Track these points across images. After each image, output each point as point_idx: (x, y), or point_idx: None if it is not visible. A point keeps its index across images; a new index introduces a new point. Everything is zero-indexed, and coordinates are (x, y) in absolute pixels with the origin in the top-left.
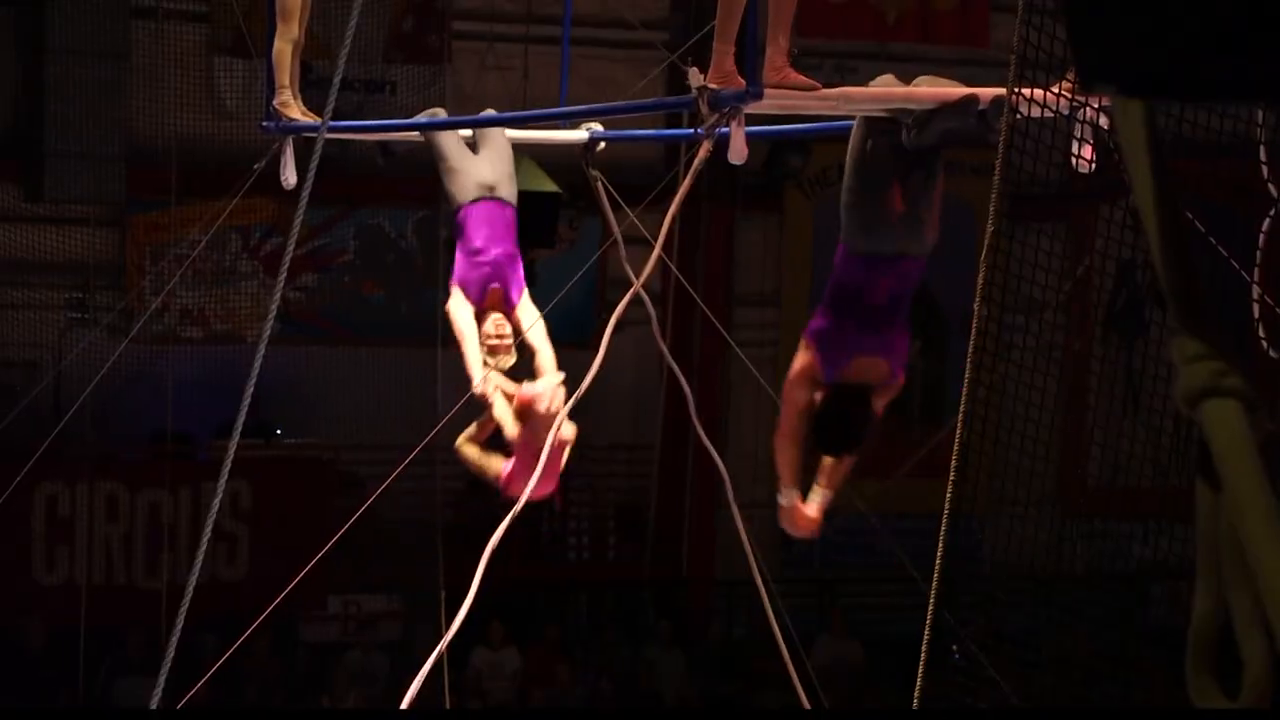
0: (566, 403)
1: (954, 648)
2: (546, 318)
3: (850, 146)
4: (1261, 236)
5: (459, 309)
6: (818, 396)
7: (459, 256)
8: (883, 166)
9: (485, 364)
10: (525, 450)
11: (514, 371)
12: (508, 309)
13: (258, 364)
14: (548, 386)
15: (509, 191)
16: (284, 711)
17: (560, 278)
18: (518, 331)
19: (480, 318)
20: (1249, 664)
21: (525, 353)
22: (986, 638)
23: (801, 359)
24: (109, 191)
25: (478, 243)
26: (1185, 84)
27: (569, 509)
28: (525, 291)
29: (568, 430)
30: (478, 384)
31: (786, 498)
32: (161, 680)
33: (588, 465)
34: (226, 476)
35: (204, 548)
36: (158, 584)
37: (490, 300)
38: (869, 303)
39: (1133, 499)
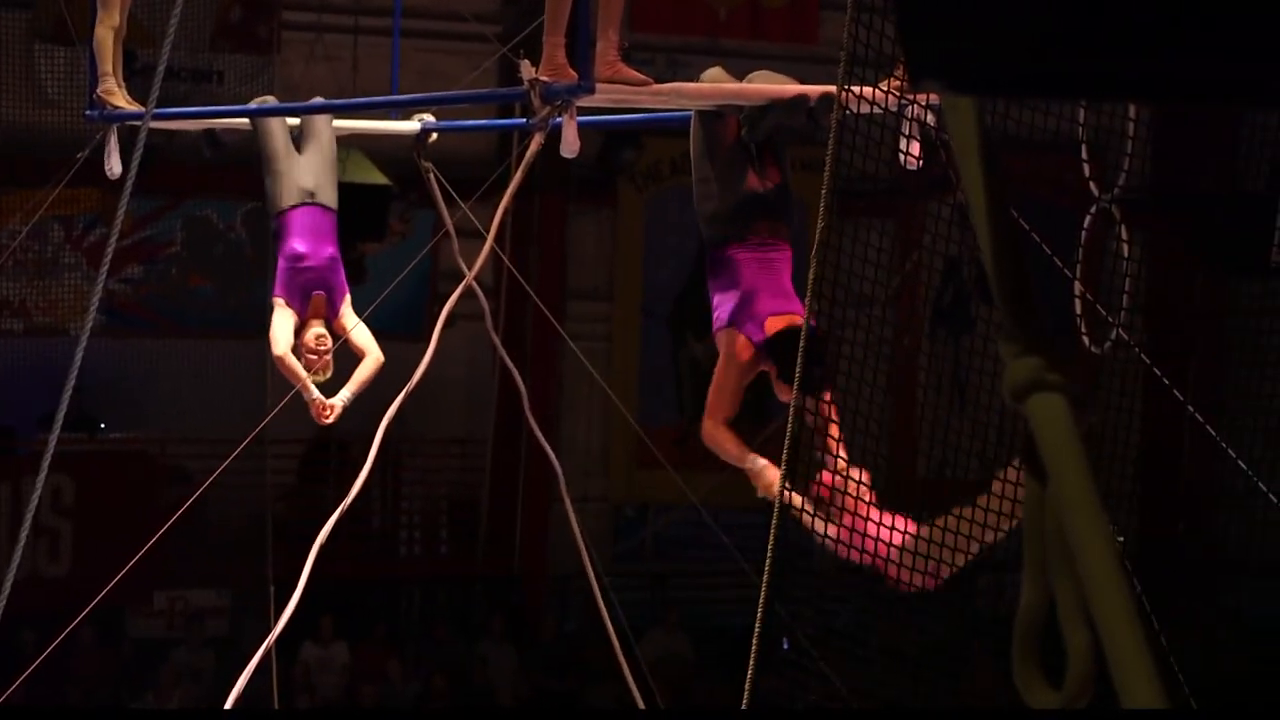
0: (396, 399)
1: (784, 640)
2: (378, 311)
3: (693, 141)
4: (1083, 234)
5: (279, 328)
6: (749, 375)
7: (281, 263)
8: (732, 147)
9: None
10: None
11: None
12: (331, 314)
13: (79, 356)
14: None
15: (330, 195)
16: (119, 711)
17: (392, 271)
18: (341, 337)
19: (302, 328)
20: (1072, 655)
21: (352, 356)
22: (817, 631)
23: (725, 345)
24: None
25: (300, 248)
26: (1011, 81)
27: (400, 503)
28: (348, 296)
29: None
30: (314, 398)
31: (753, 463)
32: None
33: (420, 459)
34: (47, 471)
35: (22, 543)
36: None
37: (314, 307)
38: (755, 279)
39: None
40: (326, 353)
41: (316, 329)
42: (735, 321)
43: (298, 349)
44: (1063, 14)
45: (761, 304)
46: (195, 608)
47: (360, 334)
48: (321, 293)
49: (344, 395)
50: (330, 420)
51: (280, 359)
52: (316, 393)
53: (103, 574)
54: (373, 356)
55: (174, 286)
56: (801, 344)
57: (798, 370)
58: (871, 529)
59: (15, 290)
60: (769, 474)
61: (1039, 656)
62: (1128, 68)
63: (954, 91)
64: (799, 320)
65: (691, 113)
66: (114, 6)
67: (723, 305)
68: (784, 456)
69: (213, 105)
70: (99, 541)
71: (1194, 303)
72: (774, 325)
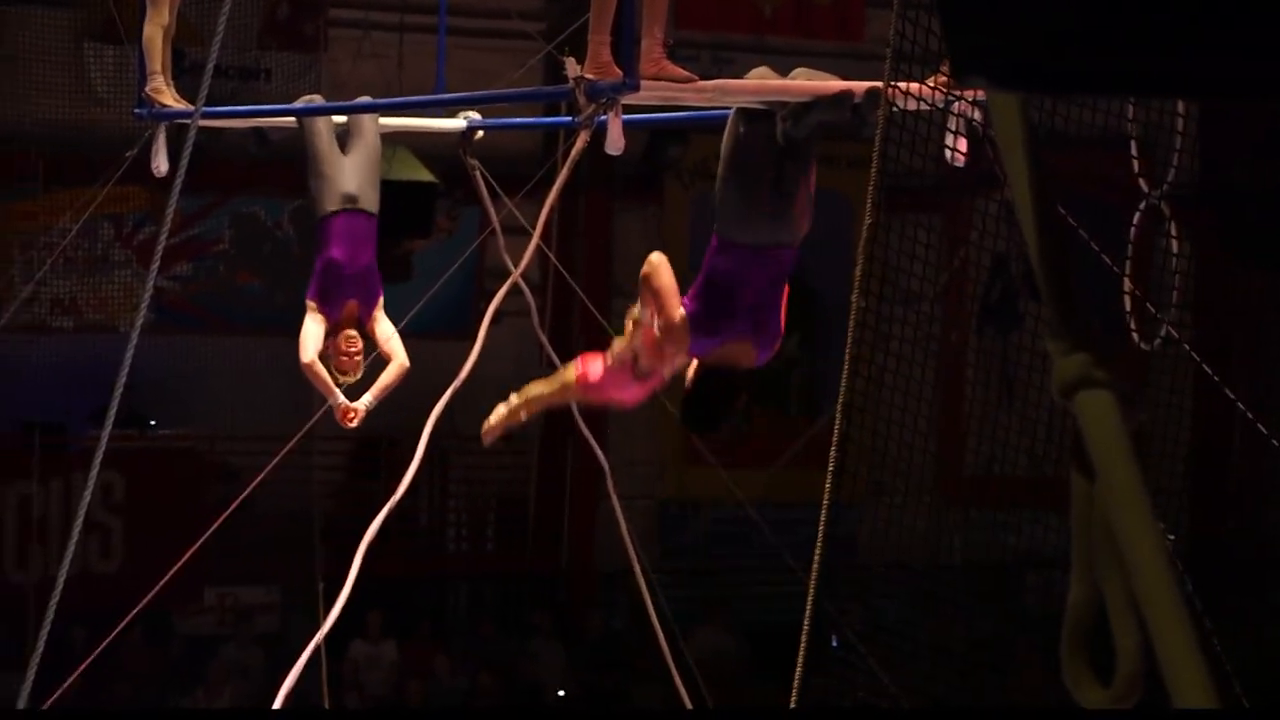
0: (444, 396)
1: (833, 637)
2: (425, 308)
3: (725, 138)
4: (1133, 230)
5: (309, 335)
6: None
7: (318, 266)
8: (757, 158)
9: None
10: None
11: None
12: (364, 317)
13: (129, 353)
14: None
15: (371, 200)
16: (173, 712)
17: (438, 268)
18: (373, 342)
19: (334, 332)
20: (1121, 652)
21: (382, 360)
22: (865, 628)
23: (675, 329)
24: None
25: (338, 256)
26: (1057, 77)
27: (448, 501)
28: (382, 299)
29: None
30: (339, 402)
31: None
32: (30, 676)
33: (467, 457)
34: (98, 467)
35: (74, 540)
36: (25, 578)
37: (346, 313)
38: (741, 292)
39: (1008, 489)
40: (357, 354)
41: (348, 331)
42: (692, 326)
43: (328, 351)
44: (1108, 9)
45: (724, 325)
46: (244, 604)
47: (391, 340)
48: (355, 300)
49: (366, 400)
50: (354, 424)
51: (308, 366)
52: (341, 397)
53: (153, 571)
54: (397, 362)
55: (222, 284)
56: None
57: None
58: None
59: (66, 288)
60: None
61: (1088, 654)
62: (1175, 64)
63: (998, 88)
64: (744, 355)
65: (731, 110)
66: (163, 5)
67: (694, 301)
68: (831, 455)
69: (260, 103)
70: (149, 538)
71: (1242, 299)
72: (718, 358)
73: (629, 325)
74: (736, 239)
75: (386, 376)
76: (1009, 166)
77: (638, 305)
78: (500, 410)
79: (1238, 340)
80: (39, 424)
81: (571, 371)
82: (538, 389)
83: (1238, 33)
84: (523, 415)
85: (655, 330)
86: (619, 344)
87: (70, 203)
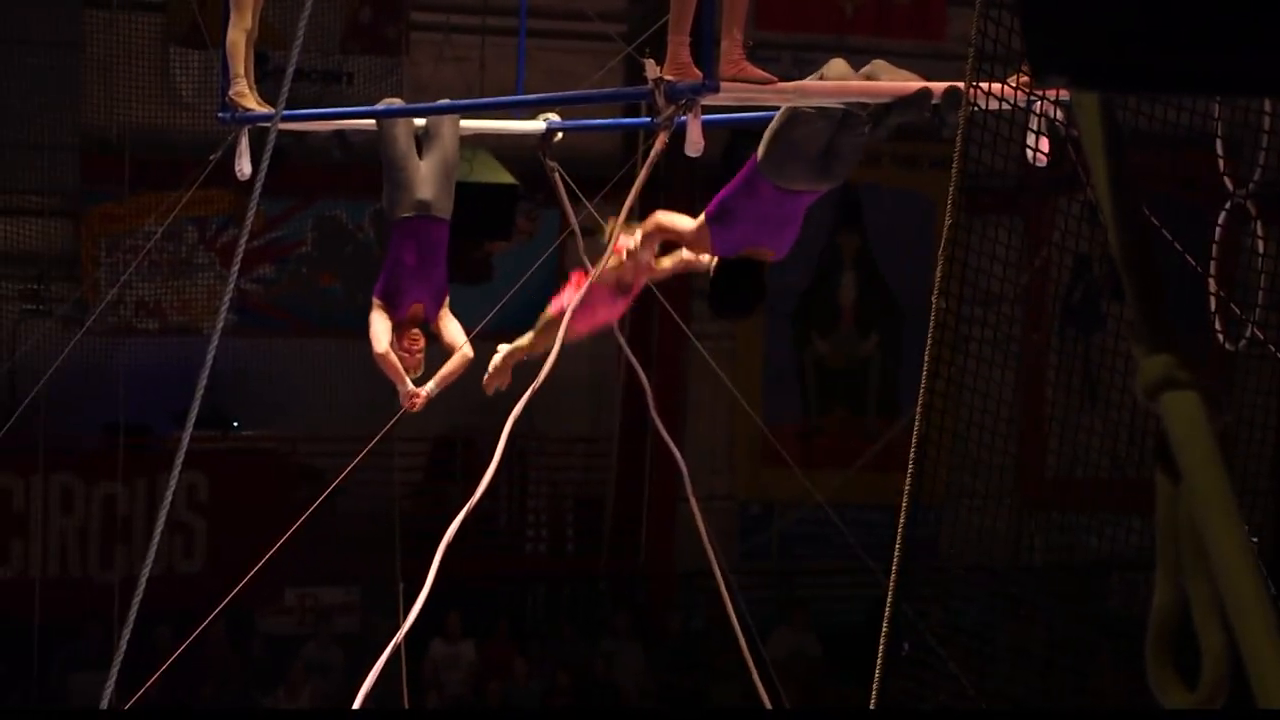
0: (522, 397)
1: (904, 644)
2: (504, 309)
3: (769, 129)
4: (1218, 230)
5: (379, 327)
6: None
7: (387, 266)
8: (815, 138)
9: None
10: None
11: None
12: (429, 319)
13: (211, 354)
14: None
15: (445, 207)
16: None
17: (518, 270)
18: (439, 338)
19: (398, 329)
20: (1207, 655)
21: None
22: (944, 630)
23: (698, 229)
24: (63, 182)
25: (408, 260)
26: (1138, 76)
27: (526, 501)
28: (447, 299)
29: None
30: (410, 389)
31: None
32: (114, 674)
33: (546, 458)
34: (181, 468)
35: (157, 539)
36: (112, 577)
37: (411, 315)
38: (767, 214)
39: (1091, 491)
40: (419, 351)
41: (412, 330)
42: (716, 234)
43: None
44: (1189, 7)
45: (750, 233)
46: (325, 605)
47: (453, 329)
48: (421, 303)
49: (429, 386)
50: (418, 408)
51: (383, 356)
52: (409, 383)
53: (235, 570)
54: (461, 352)
55: (304, 286)
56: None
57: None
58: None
59: (150, 290)
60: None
61: (1173, 656)
62: (1259, 62)
63: (1076, 87)
64: (764, 257)
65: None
66: (246, 9)
67: (720, 210)
68: (911, 456)
69: (342, 106)
70: (232, 538)
71: None
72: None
73: (618, 251)
74: (774, 179)
75: (450, 365)
76: (1092, 166)
77: (631, 237)
78: (495, 361)
79: None
80: (124, 425)
81: (551, 309)
82: (524, 337)
83: None
84: (517, 359)
85: (684, 254)
86: (603, 268)
87: (155, 205)
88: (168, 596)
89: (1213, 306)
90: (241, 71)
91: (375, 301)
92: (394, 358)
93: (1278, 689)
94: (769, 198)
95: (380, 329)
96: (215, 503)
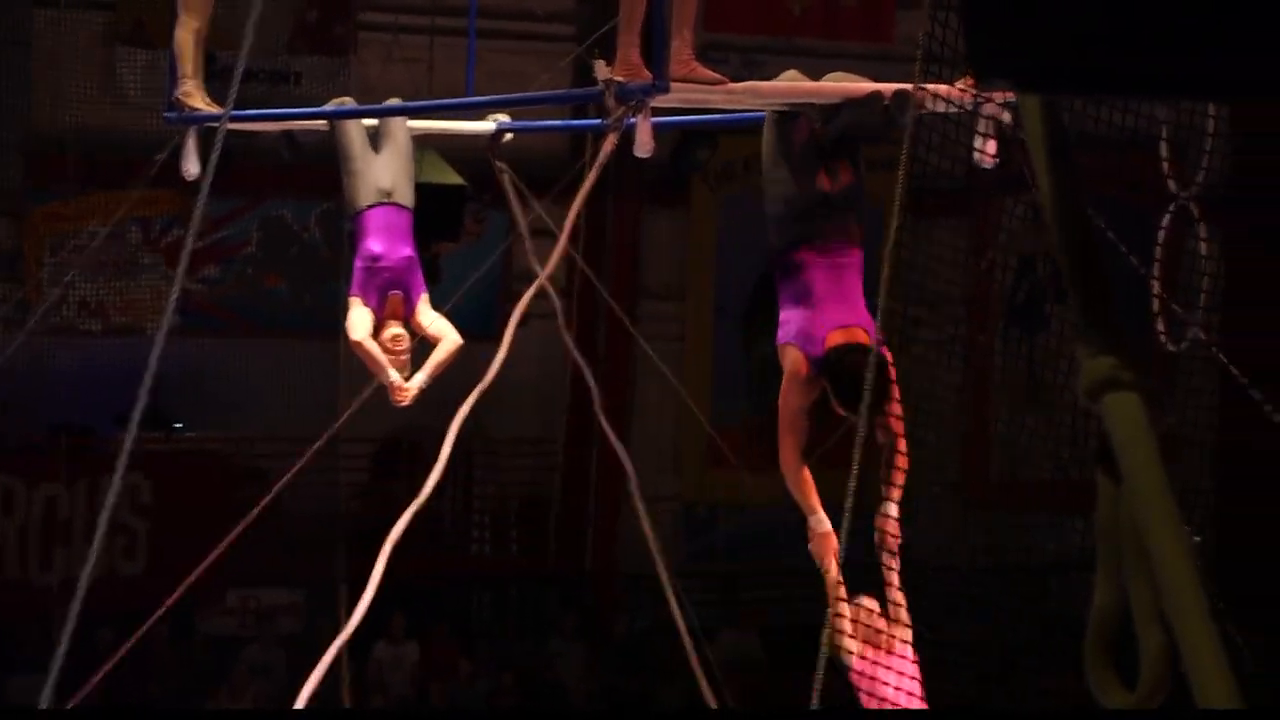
0: (469, 397)
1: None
2: (452, 311)
3: (765, 144)
4: (1161, 232)
5: (357, 318)
6: (811, 392)
7: (358, 263)
8: (805, 155)
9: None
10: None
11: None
12: (408, 313)
13: (155, 355)
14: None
15: (406, 195)
16: (195, 712)
17: (465, 271)
18: (418, 335)
19: (378, 328)
20: (1146, 655)
21: (430, 348)
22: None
23: (787, 361)
24: (6, 180)
25: (377, 249)
26: (1081, 78)
27: (472, 502)
28: (425, 294)
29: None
30: (393, 381)
31: (818, 523)
32: (52, 676)
33: (492, 459)
34: (124, 470)
35: (99, 541)
36: (52, 579)
37: (390, 307)
38: (824, 288)
39: (1033, 492)
40: (403, 353)
41: (394, 329)
42: (797, 335)
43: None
44: (1132, 10)
45: (825, 317)
46: (267, 606)
47: (437, 323)
48: (398, 293)
49: (419, 378)
50: (407, 402)
51: (359, 344)
52: (395, 375)
53: (178, 572)
54: (449, 339)
55: (249, 286)
56: (849, 361)
57: (858, 390)
58: (882, 669)
59: (94, 291)
60: (826, 542)
61: (1113, 657)
62: (1203, 64)
63: (1018, 89)
64: (860, 336)
65: (766, 113)
66: (195, 9)
67: (789, 319)
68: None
69: (290, 107)
70: (174, 540)
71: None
72: (833, 340)
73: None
74: (800, 239)
75: (438, 354)
76: (1037, 168)
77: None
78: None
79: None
80: (66, 426)
81: None
82: None
83: (1265, 32)
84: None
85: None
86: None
87: (102, 206)
88: (109, 598)
89: (1155, 308)
90: (190, 71)
91: (353, 299)
92: (371, 345)
93: (1216, 688)
94: (802, 268)
95: (357, 319)
96: (158, 504)
